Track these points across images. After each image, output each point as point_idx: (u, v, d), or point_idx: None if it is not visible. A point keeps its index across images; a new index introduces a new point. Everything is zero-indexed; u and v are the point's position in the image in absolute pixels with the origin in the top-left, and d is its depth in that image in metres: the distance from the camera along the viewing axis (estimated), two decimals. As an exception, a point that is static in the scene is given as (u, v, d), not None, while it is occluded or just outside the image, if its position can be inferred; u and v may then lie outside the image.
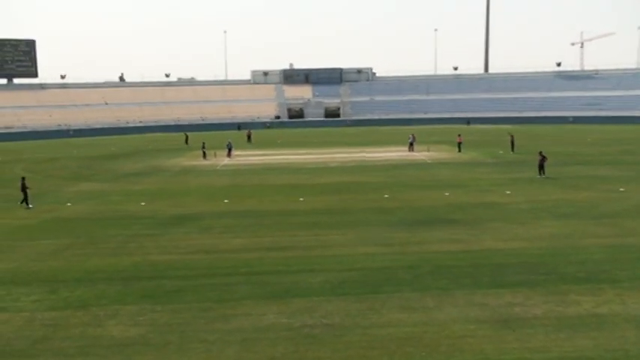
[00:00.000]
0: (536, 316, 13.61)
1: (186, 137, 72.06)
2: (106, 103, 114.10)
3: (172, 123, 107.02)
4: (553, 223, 23.29)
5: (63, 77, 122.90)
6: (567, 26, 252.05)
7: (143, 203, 30.08)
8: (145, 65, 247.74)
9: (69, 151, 64.75)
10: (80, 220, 26.16)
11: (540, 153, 36.84)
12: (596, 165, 41.92)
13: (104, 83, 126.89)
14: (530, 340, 12.34)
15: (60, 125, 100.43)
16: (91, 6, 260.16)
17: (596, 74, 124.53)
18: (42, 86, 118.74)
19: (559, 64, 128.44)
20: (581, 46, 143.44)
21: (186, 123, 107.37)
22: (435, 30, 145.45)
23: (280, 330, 13.16)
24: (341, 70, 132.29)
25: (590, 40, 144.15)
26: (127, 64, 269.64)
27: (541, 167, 36.26)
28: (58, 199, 32.29)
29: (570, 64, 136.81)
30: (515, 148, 51.41)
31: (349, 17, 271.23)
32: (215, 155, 53.35)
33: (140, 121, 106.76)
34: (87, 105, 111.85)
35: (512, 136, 53.36)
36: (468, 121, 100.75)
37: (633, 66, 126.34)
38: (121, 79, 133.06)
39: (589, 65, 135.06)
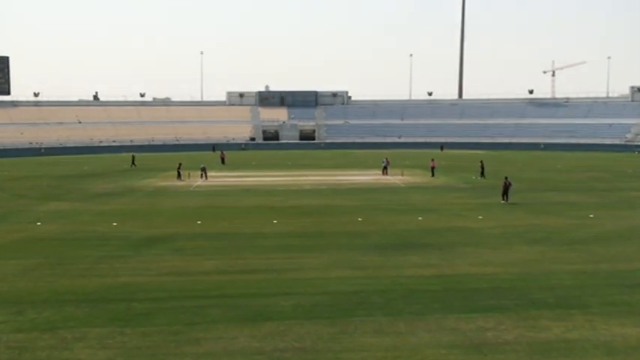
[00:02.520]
0: (508, 341, 13.67)
1: (133, 158, 69.40)
2: (80, 122, 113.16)
3: (147, 143, 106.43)
4: (524, 249, 23.51)
5: (36, 95, 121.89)
6: (539, 55, 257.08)
7: (115, 224, 29.74)
8: (120, 85, 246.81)
9: (40, 170, 63.94)
10: (50, 240, 25.75)
11: (506, 178, 37.40)
12: (567, 191, 42.51)
13: (78, 102, 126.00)
14: (502, 365, 12.38)
15: (32, 143, 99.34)
16: (66, 24, 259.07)
17: (567, 102, 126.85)
18: (14, 104, 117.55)
19: (531, 92, 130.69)
20: (553, 75, 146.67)
21: (161, 143, 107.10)
22: (411, 55, 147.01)
23: (251, 354, 13.03)
24: (316, 93, 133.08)
25: (561, 68, 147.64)
26: (101, 83, 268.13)
27: (505, 193, 36.79)
28: (28, 218, 31.79)
29: (542, 92, 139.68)
30: (485, 174, 51.79)
31: (325, 41, 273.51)
32: (189, 176, 53.02)
33: (114, 141, 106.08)
34: (60, 123, 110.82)
35: (482, 162, 53.91)
36: (442, 146, 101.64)
37: (603, 95, 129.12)
38: (96, 97, 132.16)
39: (560, 93, 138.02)
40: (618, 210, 33.58)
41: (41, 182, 51.00)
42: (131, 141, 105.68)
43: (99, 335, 14.15)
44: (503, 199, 36.57)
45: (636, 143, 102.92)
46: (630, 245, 24.17)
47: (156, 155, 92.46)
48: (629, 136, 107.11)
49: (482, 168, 52.60)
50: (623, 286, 18.16)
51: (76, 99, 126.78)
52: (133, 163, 67.98)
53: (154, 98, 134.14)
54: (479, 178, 51.19)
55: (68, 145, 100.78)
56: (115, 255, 22.73)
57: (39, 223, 29.99)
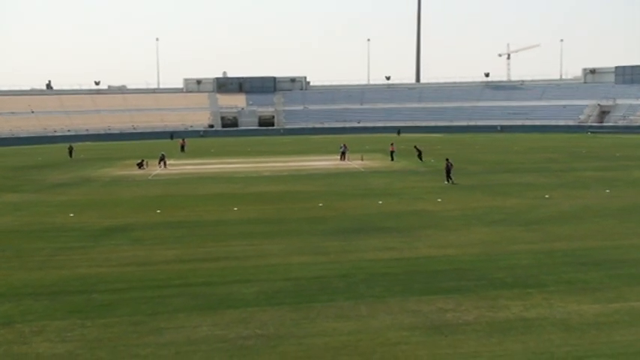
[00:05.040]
0: (468, 321, 13.89)
1: (71, 149, 66.89)
2: (33, 112, 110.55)
3: (103, 132, 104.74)
4: (483, 230, 23.87)
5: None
6: (495, 38, 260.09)
7: (72, 214, 29.21)
8: (75, 73, 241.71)
9: (-8, 161, 62.36)
10: (5, 233, 25.17)
11: (447, 160, 38.16)
12: (523, 172, 43.26)
13: (30, 91, 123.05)
14: (463, 345, 12.58)
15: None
16: (16, 10, 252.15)
17: (522, 85, 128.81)
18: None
19: (487, 75, 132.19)
20: (508, 58, 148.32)
21: (118, 132, 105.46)
22: (368, 40, 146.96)
23: (214, 342, 12.99)
24: (275, 78, 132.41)
25: (516, 51, 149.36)
26: (55, 72, 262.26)
27: (448, 173, 37.55)
28: (-19, 211, 31.01)
29: (498, 75, 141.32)
30: (423, 158, 52.10)
31: (283, 26, 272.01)
32: (147, 164, 52.32)
33: (68, 130, 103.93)
34: (12, 113, 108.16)
35: (416, 146, 54.28)
36: (399, 130, 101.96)
37: (556, 77, 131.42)
38: (49, 86, 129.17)
39: (515, 76, 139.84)
40: (573, 190, 34.33)
41: (-6, 174, 49.77)
42: (87, 130, 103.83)
43: (58, 328, 13.92)
44: (448, 181, 37.36)
45: (589, 124, 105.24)
46: (585, 224, 24.75)
47: (113, 144, 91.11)
48: (582, 117, 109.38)
49: (419, 152, 52.91)
50: (579, 264, 18.59)
51: (28, 88, 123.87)
52: (70, 154, 65.45)
53: (110, 86, 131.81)
54: (419, 161, 51.50)
55: (21, 136, 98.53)
56: (73, 246, 22.35)
57: (-7, 216, 29.30)
